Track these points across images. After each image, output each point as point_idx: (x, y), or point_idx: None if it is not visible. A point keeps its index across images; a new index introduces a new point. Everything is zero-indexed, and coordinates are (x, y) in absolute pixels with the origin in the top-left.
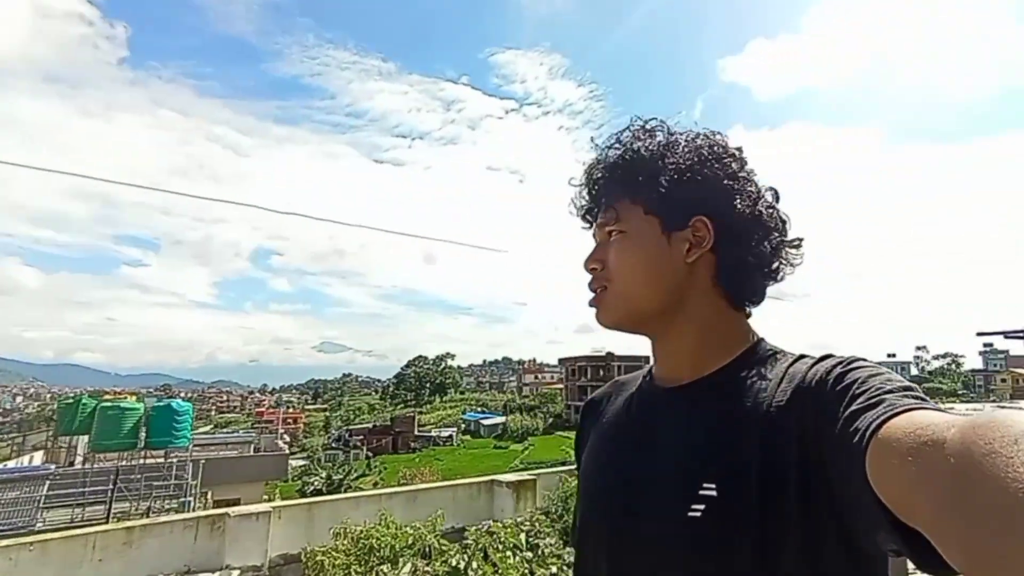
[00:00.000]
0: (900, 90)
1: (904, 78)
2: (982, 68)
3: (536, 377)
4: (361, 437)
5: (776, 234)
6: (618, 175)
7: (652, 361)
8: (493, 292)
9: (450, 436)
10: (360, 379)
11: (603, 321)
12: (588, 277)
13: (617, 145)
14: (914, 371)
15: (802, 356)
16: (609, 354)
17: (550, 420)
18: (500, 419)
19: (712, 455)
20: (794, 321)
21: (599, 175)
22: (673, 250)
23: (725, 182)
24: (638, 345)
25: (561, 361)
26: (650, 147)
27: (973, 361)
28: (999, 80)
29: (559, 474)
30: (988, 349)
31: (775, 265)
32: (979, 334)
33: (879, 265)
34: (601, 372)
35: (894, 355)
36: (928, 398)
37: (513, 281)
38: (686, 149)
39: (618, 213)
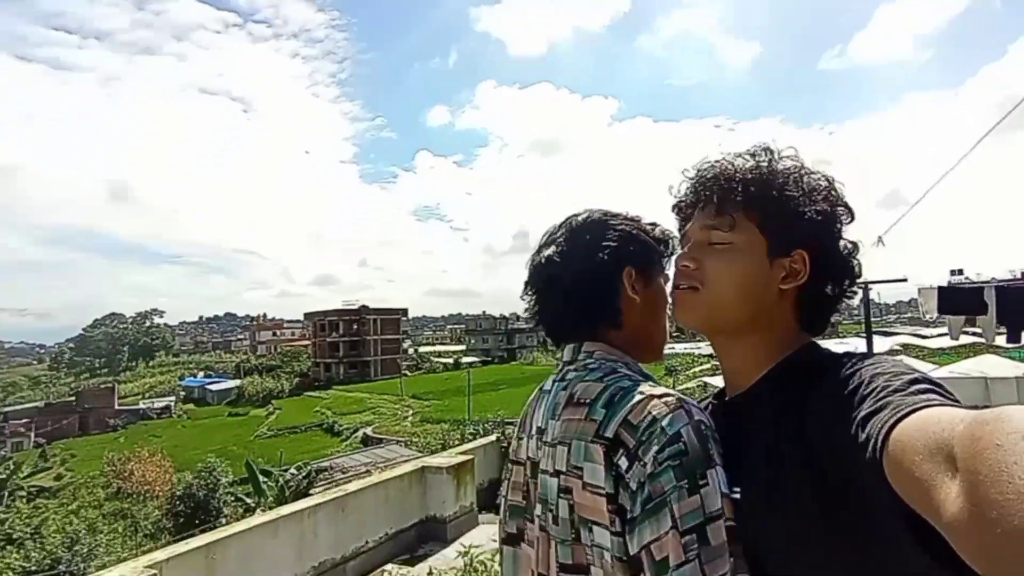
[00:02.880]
0: (634, 70)
1: (638, 60)
2: (692, 60)
3: (275, 334)
4: (26, 420)
5: (851, 278)
6: (745, 186)
7: (720, 364)
8: (210, 237)
9: (167, 407)
10: (6, 346)
11: (683, 319)
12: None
13: (747, 156)
14: None
15: (826, 358)
16: (363, 307)
17: (296, 380)
18: (233, 383)
19: (739, 460)
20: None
21: (723, 180)
22: (772, 274)
23: (831, 224)
24: (392, 297)
25: (308, 316)
26: (781, 170)
27: None
28: (705, 73)
29: (497, 444)
30: None
31: (841, 302)
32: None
33: None
34: (355, 326)
35: None
36: (937, 386)
37: (234, 226)
38: (808, 182)
39: (735, 222)
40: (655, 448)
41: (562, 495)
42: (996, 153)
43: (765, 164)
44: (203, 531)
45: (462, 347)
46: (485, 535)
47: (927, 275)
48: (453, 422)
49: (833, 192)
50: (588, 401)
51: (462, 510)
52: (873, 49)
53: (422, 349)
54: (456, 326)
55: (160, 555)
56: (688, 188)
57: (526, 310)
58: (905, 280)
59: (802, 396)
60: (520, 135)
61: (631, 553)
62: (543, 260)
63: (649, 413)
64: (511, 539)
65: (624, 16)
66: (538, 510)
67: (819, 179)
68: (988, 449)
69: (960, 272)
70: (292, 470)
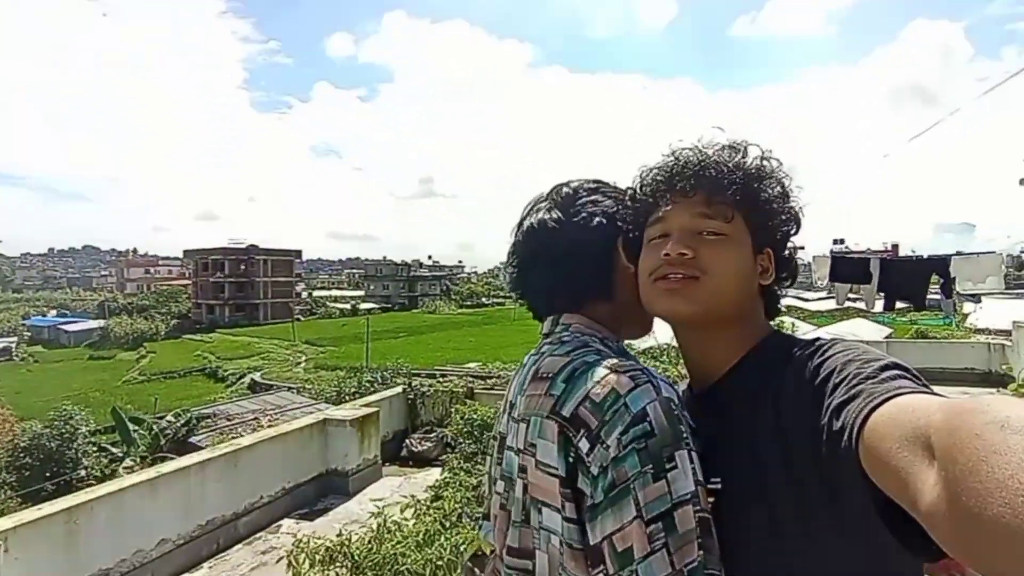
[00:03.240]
0: (552, 15)
1: (557, 4)
2: (610, 12)
3: (148, 272)
4: None
5: (794, 276)
6: (744, 182)
7: (683, 354)
8: (62, 158)
9: (5, 349)
10: None
11: (679, 308)
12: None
13: (732, 150)
14: None
15: (794, 344)
16: (252, 246)
17: (173, 322)
18: (96, 323)
19: (716, 451)
20: (446, 217)
21: (718, 171)
22: (755, 269)
23: (794, 225)
24: (285, 237)
25: (188, 253)
26: (769, 170)
27: None
28: (621, 27)
29: (403, 396)
30: None
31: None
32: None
33: (519, 175)
34: (243, 267)
35: None
36: (907, 371)
37: (94, 147)
38: (784, 185)
39: (733, 214)
40: (619, 429)
41: (520, 474)
42: (886, 131)
43: (758, 162)
44: (56, 484)
45: (360, 293)
46: (388, 487)
47: (812, 243)
48: (350, 369)
49: (791, 192)
50: (550, 375)
51: (365, 463)
52: (784, 19)
53: (317, 293)
54: (354, 271)
55: (6, 523)
56: (665, 172)
57: (507, 283)
58: (803, 248)
59: (775, 384)
60: (430, 73)
61: (592, 543)
62: (534, 226)
63: (612, 388)
64: (485, 515)
65: None
66: (500, 487)
67: (788, 183)
68: (967, 439)
69: (842, 242)
70: (169, 417)
